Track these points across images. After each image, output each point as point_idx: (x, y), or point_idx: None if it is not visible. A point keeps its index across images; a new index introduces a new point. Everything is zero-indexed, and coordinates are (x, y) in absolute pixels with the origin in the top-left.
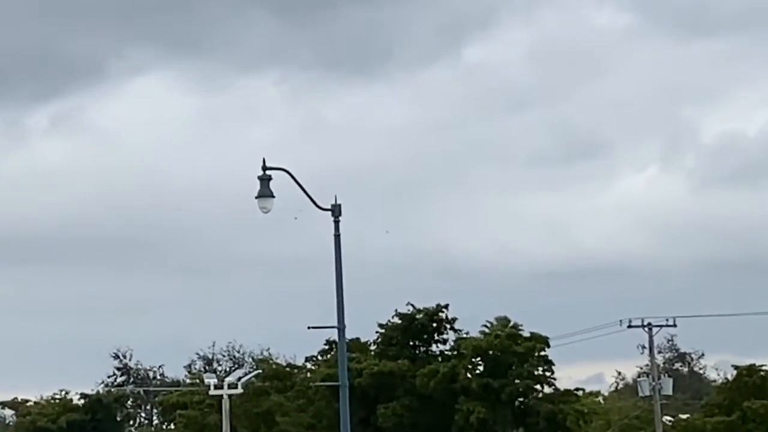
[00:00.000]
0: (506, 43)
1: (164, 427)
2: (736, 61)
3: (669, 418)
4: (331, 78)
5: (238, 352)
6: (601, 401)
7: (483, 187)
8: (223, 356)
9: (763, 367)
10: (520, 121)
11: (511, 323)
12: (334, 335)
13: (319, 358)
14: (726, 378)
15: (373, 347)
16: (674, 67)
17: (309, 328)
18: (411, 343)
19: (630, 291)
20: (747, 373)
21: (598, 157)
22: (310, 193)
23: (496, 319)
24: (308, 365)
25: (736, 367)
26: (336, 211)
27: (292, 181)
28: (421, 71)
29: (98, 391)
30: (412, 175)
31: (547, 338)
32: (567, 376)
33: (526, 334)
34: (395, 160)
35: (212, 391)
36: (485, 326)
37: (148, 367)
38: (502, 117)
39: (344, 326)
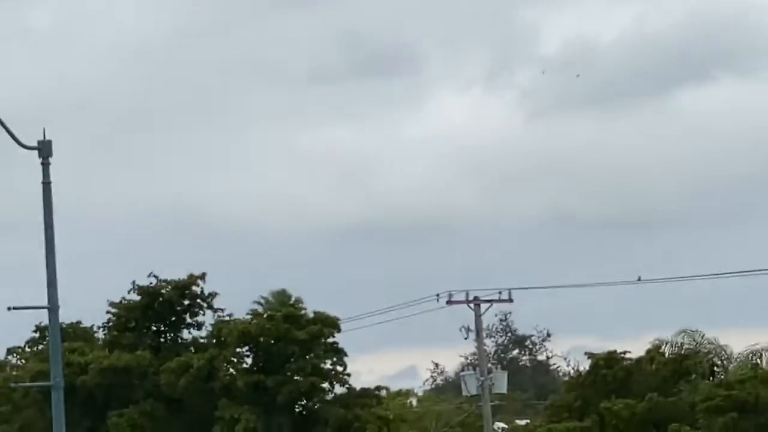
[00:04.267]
0: None
1: None
2: None
3: (503, 425)
4: None
5: None
6: (413, 403)
7: (249, 117)
8: None
9: (627, 355)
10: (295, 24)
11: (293, 299)
12: (45, 319)
13: (27, 350)
14: (578, 370)
15: (102, 334)
16: None
17: (10, 309)
18: (154, 328)
19: (450, 255)
20: (605, 363)
21: (403, 74)
22: (9, 126)
23: (273, 294)
24: (12, 360)
25: (590, 356)
26: (44, 150)
27: None
28: None
29: None
30: (151, 102)
31: (337, 319)
32: (368, 369)
33: (311, 314)
34: (127, 80)
35: None
36: (258, 304)
37: None
38: (272, 19)
39: (58, 306)
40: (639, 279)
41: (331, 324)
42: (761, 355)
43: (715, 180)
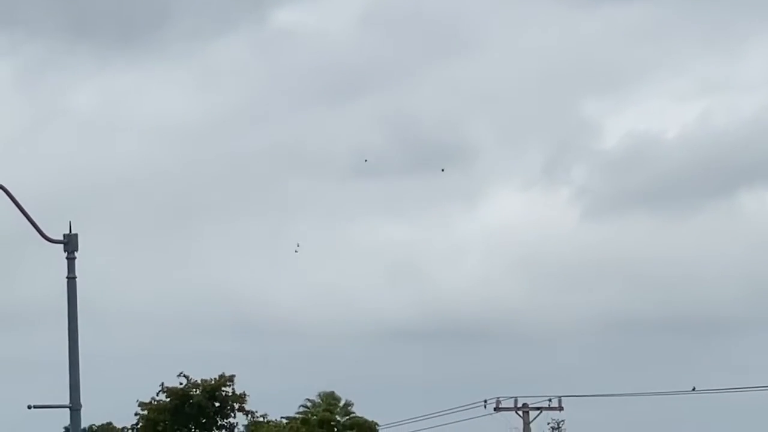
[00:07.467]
0: (327, 4)
1: None
2: (656, 36)
3: None
4: (81, 50)
5: None
6: None
7: (293, 208)
8: None
9: None
10: (346, 113)
11: (342, 402)
12: None
13: None
14: None
15: None
16: (568, 44)
17: (30, 407)
18: (185, 430)
19: (500, 358)
20: None
21: (457, 168)
22: (34, 218)
23: (321, 395)
24: None
25: None
26: (70, 244)
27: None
28: (208, 42)
29: None
30: (190, 190)
31: (375, 424)
32: None
33: (360, 415)
34: (166, 168)
35: None
36: (304, 406)
37: None
38: (321, 108)
39: (80, 405)
40: (694, 389)
41: (368, 429)
42: None
43: None
